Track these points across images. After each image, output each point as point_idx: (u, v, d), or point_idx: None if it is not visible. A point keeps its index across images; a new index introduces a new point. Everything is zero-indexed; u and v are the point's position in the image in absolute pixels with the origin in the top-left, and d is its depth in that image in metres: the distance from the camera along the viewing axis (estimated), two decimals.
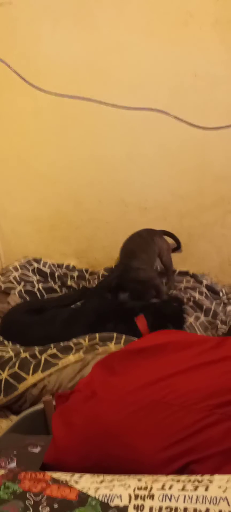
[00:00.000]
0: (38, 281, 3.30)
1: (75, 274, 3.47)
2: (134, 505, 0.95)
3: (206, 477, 0.99)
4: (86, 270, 3.51)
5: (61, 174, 3.47)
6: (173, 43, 2.99)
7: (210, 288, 3.17)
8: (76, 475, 1.12)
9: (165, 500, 0.93)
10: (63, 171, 3.46)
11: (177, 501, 0.92)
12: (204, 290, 3.12)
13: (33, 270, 3.37)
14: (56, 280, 3.39)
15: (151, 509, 0.93)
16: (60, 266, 3.54)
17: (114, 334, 2.41)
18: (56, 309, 2.78)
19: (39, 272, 3.39)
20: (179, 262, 3.37)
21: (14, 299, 3.02)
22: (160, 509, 0.92)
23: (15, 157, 3.50)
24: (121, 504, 0.96)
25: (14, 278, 3.20)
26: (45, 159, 3.45)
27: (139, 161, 3.32)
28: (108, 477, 1.09)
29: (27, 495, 1.00)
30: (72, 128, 3.31)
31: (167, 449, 1.24)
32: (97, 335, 2.42)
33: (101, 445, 1.35)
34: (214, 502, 0.90)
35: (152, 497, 0.95)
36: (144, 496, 0.96)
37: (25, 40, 3.13)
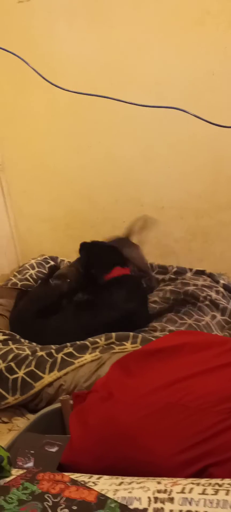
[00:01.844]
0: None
1: None
2: (154, 508, 0.94)
3: (227, 481, 0.98)
4: None
5: (77, 173, 3.48)
6: (190, 41, 2.97)
7: (227, 287, 3.13)
8: (95, 477, 1.11)
9: (185, 504, 0.92)
10: (79, 170, 3.46)
11: (197, 505, 0.91)
12: (221, 289, 3.08)
13: (49, 268, 3.38)
14: None
15: None
16: None
17: (131, 334, 2.40)
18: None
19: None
20: (195, 261, 3.34)
21: None
22: None
23: (31, 156, 3.51)
24: (140, 507, 0.95)
25: (30, 275, 3.22)
26: (61, 158, 3.46)
27: (155, 160, 3.31)
28: (127, 480, 1.09)
29: (46, 496, 0.99)
30: (88, 127, 3.31)
31: (184, 452, 1.23)
32: (113, 334, 2.42)
33: (117, 446, 1.34)
34: None
35: (171, 500, 0.94)
36: (164, 499, 0.95)
37: (42, 37, 3.15)
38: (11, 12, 3.14)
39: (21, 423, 2.18)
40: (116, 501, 0.97)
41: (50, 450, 1.50)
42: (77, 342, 2.39)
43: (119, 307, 2.66)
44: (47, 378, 2.24)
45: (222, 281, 3.17)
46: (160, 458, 1.25)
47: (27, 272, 3.24)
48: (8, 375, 2.27)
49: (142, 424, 1.35)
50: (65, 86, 2.21)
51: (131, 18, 3.01)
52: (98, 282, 2.86)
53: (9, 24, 3.14)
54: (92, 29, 3.08)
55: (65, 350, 2.33)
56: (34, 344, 2.52)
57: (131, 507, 0.96)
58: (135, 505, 0.96)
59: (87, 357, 2.29)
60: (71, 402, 1.73)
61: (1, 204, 3.60)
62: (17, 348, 2.41)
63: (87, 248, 3.04)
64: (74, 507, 0.95)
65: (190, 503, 0.92)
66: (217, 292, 3.04)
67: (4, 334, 2.60)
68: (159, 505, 0.94)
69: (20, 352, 2.36)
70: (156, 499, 0.96)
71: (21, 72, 2.97)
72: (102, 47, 3.09)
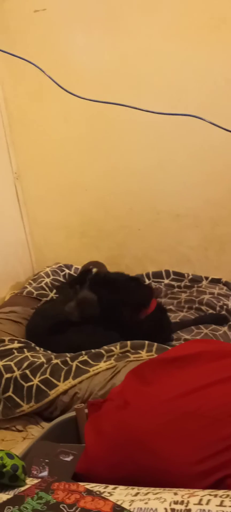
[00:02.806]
0: None
1: None
2: None
3: None
4: None
5: (91, 181, 3.48)
6: (206, 48, 2.96)
7: None
8: (110, 487, 1.10)
9: None
10: (94, 178, 3.47)
11: None
12: None
13: (64, 276, 3.38)
14: None
15: None
16: None
17: (146, 342, 2.39)
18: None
19: (70, 278, 3.38)
20: (211, 270, 3.32)
21: None
22: None
23: (46, 164, 3.52)
24: None
25: (46, 284, 3.22)
26: (76, 166, 3.46)
27: (171, 168, 3.29)
28: (143, 490, 1.07)
29: (61, 506, 0.98)
30: (104, 135, 3.31)
31: (202, 462, 1.21)
32: (128, 342, 2.40)
33: (132, 453, 1.32)
34: None
35: None
36: (181, 510, 0.93)
37: (57, 45, 3.17)
38: (27, 21, 3.16)
39: (36, 431, 2.17)
40: None
41: (65, 459, 1.49)
42: (92, 350, 2.38)
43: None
44: (62, 386, 2.23)
45: None
46: (177, 467, 1.23)
47: (43, 280, 3.25)
48: (23, 383, 2.27)
49: (158, 432, 1.33)
50: (81, 94, 2.21)
51: (147, 26, 3.01)
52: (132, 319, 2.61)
53: (25, 32, 3.16)
54: (108, 37, 3.09)
55: (80, 358, 2.32)
56: (49, 352, 2.52)
57: None
58: None
59: (102, 365, 2.28)
60: (86, 410, 1.72)
61: (16, 212, 3.61)
62: (32, 356, 2.40)
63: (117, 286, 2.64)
64: None
65: None
66: None
67: (19, 342, 2.60)
68: None
69: (35, 359, 2.36)
70: (172, 510, 0.94)
71: (37, 80, 3.00)
72: (118, 55, 3.10)
